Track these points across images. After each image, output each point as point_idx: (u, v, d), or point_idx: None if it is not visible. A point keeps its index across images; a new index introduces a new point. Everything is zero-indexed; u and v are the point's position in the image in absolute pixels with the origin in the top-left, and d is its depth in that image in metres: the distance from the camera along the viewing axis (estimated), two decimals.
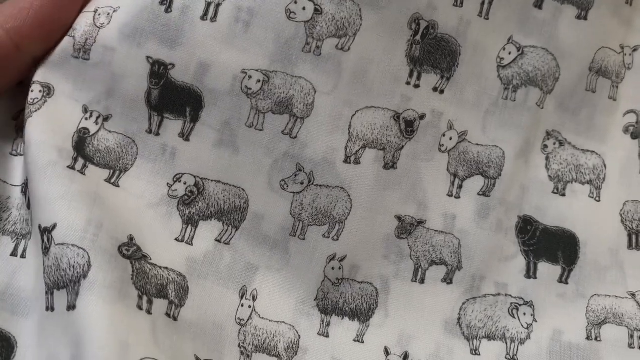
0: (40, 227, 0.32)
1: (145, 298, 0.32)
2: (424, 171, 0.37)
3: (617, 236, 0.39)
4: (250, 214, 0.35)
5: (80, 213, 0.32)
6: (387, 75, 0.36)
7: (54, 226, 0.32)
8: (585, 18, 0.39)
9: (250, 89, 0.35)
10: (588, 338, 0.37)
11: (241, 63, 0.35)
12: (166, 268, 0.34)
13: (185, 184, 0.35)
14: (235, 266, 0.35)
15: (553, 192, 0.39)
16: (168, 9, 0.35)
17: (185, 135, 0.35)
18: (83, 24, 0.35)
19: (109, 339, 0.29)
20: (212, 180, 0.35)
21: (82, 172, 0.34)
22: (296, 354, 0.35)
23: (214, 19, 0.35)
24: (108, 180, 0.35)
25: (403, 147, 0.37)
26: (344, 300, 0.36)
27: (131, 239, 0.33)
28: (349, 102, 0.36)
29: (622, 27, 0.41)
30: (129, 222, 0.34)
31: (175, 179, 0.35)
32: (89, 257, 0.31)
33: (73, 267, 0.31)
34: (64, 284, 0.31)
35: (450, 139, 0.37)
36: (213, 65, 0.35)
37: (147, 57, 0.35)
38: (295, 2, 0.34)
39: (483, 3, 0.38)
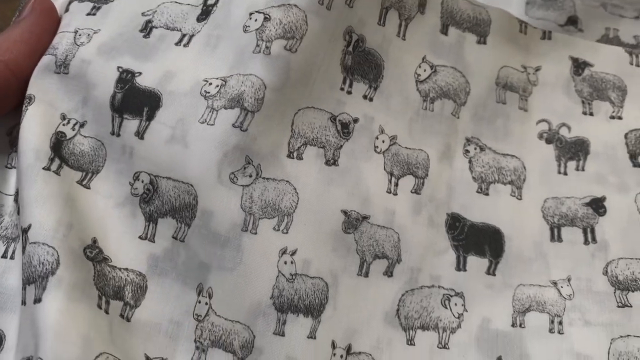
0: (21, 228, 0.34)
1: (103, 298, 0.34)
2: (364, 169, 0.39)
3: (540, 230, 0.42)
4: (200, 210, 0.36)
5: (52, 213, 0.34)
6: (325, 79, 0.39)
7: (30, 226, 0.34)
8: (485, 43, 0.45)
9: (209, 92, 0.36)
10: (513, 325, 0.39)
11: (205, 74, 0.37)
12: (125, 269, 0.35)
13: (143, 182, 0.36)
14: (190, 264, 0.36)
15: (477, 192, 0.42)
16: (146, 36, 0.39)
17: (140, 134, 0.36)
18: (64, 43, 0.38)
19: (71, 333, 0.31)
20: (163, 177, 0.36)
21: (57, 172, 0.36)
22: (251, 353, 0.35)
23: (186, 45, 0.38)
24: (80, 182, 0.36)
25: (342, 146, 0.39)
26: (298, 297, 0.36)
27: (94, 241, 0.35)
28: (293, 101, 0.38)
29: (520, 52, 0.46)
30: (96, 223, 0.35)
31: (134, 178, 0.36)
32: (58, 255, 0.33)
33: (42, 263, 0.33)
34: (33, 279, 0.33)
35: (383, 141, 0.40)
36: (178, 74, 0.37)
37: (118, 67, 0.37)
38: (249, 18, 0.38)
39: (400, 25, 0.42)
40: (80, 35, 0.39)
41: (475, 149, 0.43)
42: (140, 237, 0.36)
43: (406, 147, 0.41)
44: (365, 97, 0.41)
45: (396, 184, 0.40)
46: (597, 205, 0.43)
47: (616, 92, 0.46)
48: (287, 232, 0.37)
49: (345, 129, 0.39)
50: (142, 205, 0.36)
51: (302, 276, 0.37)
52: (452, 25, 0.44)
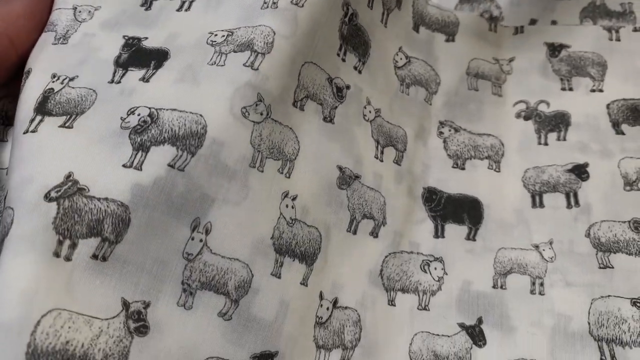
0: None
1: (67, 242, 0.30)
2: (357, 132, 0.41)
3: (521, 198, 0.43)
4: (209, 140, 0.33)
5: (16, 173, 0.32)
6: (327, 41, 0.41)
7: (6, 194, 0.32)
8: (453, 40, 0.48)
9: (216, 41, 0.37)
10: (494, 286, 0.40)
11: (209, 28, 0.38)
12: (105, 199, 0.31)
13: (139, 115, 0.34)
14: (189, 195, 0.33)
15: (453, 167, 0.44)
16: (148, 9, 0.41)
17: (146, 79, 0.36)
18: (63, 19, 0.40)
19: (10, 293, 0.27)
20: (167, 110, 0.34)
21: (34, 130, 0.34)
22: (246, 294, 0.34)
23: (187, 9, 0.40)
24: (62, 125, 0.34)
25: (337, 107, 0.41)
26: (295, 242, 0.36)
27: (68, 176, 0.31)
28: (301, 51, 0.38)
29: (491, 47, 0.50)
30: (72, 159, 0.32)
31: (129, 112, 0.34)
32: (14, 214, 0.30)
33: (4, 227, 0.30)
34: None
35: (370, 112, 0.43)
36: (183, 33, 0.38)
37: (124, 36, 0.39)
38: None
39: (383, 13, 0.46)
40: (80, 11, 0.40)
41: (449, 130, 0.45)
42: (124, 166, 0.32)
43: (388, 122, 0.44)
44: (355, 68, 0.43)
45: (382, 152, 0.42)
46: (580, 171, 0.44)
47: (596, 68, 0.48)
48: (289, 177, 0.37)
49: (339, 92, 0.41)
50: (132, 136, 0.33)
51: (300, 222, 0.37)
52: (422, 25, 0.48)
